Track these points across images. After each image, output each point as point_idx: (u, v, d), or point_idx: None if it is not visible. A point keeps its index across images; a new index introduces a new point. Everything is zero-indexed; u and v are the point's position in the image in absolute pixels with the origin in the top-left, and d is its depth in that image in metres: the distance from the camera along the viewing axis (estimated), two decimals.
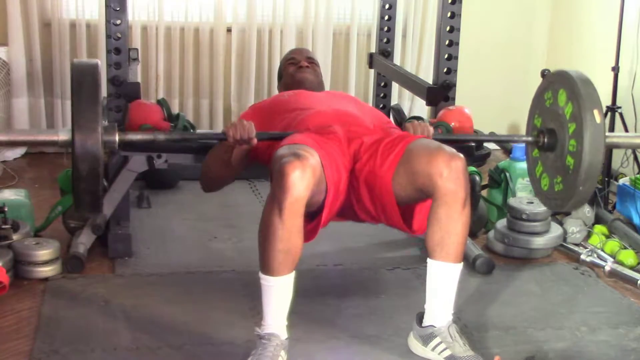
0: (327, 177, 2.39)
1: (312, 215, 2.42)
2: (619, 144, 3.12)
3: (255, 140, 2.55)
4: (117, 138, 2.40)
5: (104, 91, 4.07)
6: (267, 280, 2.34)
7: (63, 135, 2.35)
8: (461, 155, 2.40)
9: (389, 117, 4.41)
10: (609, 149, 4.20)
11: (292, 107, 2.83)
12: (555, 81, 2.63)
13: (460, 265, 2.46)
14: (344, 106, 2.85)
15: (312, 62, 3.18)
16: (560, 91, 2.59)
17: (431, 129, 2.70)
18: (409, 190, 2.46)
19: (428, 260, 2.46)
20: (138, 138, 2.67)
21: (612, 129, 4.27)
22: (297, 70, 3.11)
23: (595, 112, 2.44)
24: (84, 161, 2.22)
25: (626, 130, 4.30)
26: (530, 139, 2.74)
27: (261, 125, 2.72)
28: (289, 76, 3.13)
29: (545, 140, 2.65)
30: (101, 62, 4.57)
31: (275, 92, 4.97)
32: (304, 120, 2.71)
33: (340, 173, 2.48)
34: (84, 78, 2.27)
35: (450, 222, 2.38)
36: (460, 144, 3.26)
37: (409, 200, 2.51)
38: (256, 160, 2.77)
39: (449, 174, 2.34)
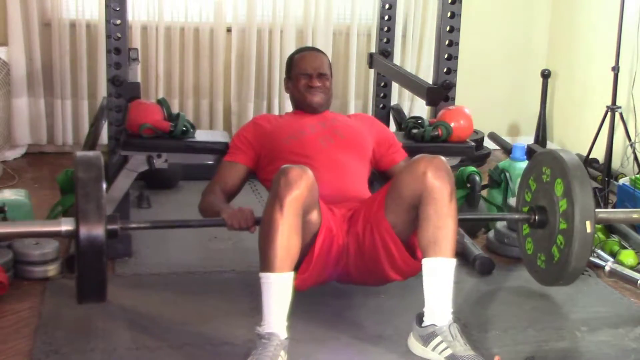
0: (322, 211, 2.54)
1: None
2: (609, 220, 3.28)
3: (254, 229, 2.62)
4: (118, 227, 2.53)
5: (104, 91, 4.09)
6: (267, 278, 2.36)
7: (67, 226, 2.42)
8: (440, 156, 2.55)
9: (388, 117, 4.42)
10: (608, 154, 4.23)
11: (294, 160, 2.80)
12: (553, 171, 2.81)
13: (454, 261, 2.49)
14: (346, 171, 2.90)
15: (324, 79, 3.08)
16: (557, 181, 2.78)
17: None
18: (402, 214, 2.58)
19: (423, 261, 2.49)
20: (138, 226, 2.83)
21: (612, 128, 4.27)
22: (307, 90, 3.05)
23: (588, 223, 2.64)
24: (87, 252, 2.34)
25: (626, 130, 4.30)
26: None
27: (261, 149, 2.95)
28: (299, 93, 3.07)
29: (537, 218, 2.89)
30: (101, 62, 4.64)
31: (275, 91, 5.06)
32: None
33: (331, 219, 2.61)
34: (88, 174, 2.41)
35: (439, 217, 2.47)
36: (460, 144, 3.28)
37: (406, 227, 2.60)
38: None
39: (433, 172, 2.48)
